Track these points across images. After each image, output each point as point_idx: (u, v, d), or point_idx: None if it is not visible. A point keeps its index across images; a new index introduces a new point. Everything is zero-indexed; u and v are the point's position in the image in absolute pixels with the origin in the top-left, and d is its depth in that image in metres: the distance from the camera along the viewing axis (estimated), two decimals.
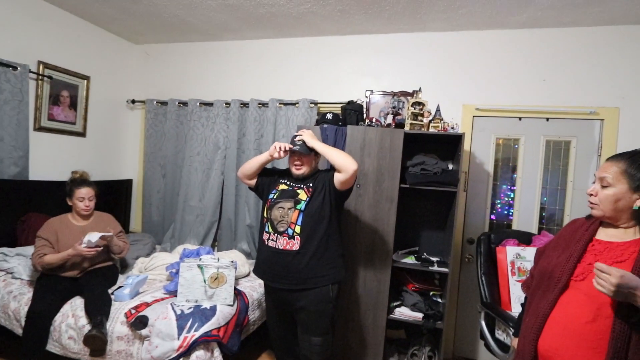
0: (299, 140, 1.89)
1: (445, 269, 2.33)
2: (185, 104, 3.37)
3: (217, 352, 1.92)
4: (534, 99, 2.62)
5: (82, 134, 3.23)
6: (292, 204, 1.82)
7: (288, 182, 1.94)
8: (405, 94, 2.68)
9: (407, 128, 2.39)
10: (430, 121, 2.39)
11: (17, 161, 2.66)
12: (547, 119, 2.63)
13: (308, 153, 1.87)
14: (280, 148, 1.85)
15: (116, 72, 3.51)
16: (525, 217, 2.68)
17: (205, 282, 2.08)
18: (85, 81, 3.20)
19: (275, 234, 1.83)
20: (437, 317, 2.36)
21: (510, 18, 2.51)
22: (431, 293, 2.52)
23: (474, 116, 2.73)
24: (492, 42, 2.70)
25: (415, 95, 2.52)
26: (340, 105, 2.74)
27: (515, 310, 2.14)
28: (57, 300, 2.08)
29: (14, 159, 2.64)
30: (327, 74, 3.09)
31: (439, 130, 2.35)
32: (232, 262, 2.19)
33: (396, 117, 2.49)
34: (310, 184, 1.88)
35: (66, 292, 2.14)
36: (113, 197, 3.39)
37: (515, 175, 2.71)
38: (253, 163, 1.95)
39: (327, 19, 2.76)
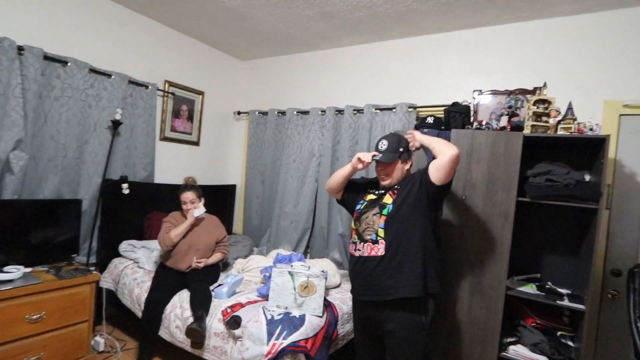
0: (382, 146, 1.73)
1: (581, 306, 1.86)
2: (283, 113, 3.51)
3: None
4: None
5: (196, 143, 3.62)
6: (377, 210, 1.68)
7: (376, 192, 1.79)
8: (524, 91, 2.28)
9: (527, 131, 2.01)
10: (559, 122, 1.97)
11: (146, 167, 3.09)
12: None
13: (392, 161, 1.70)
14: (362, 159, 1.72)
15: (225, 86, 3.86)
16: None
17: (295, 289, 2.05)
18: (200, 96, 3.58)
19: (362, 243, 1.70)
20: None
21: None
22: (559, 333, 2.04)
23: (620, 115, 2.17)
24: None
25: (538, 92, 2.11)
26: (443, 108, 2.48)
27: None
28: (169, 291, 2.30)
29: (144, 164, 3.07)
30: (428, 75, 2.85)
31: (571, 133, 1.91)
32: (323, 271, 2.12)
33: (512, 119, 2.13)
34: (397, 186, 1.72)
35: (176, 285, 2.35)
36: (220, 200, 3.69)
37: None
38: (337, 176, 1.85)
39: (429, 16, 2.55)
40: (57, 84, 2.47)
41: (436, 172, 1.60)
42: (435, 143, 1.67)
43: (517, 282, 2.15)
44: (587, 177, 2.10)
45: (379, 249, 1.64)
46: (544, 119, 2.01)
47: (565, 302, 1.91)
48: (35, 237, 2.31)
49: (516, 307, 2.15)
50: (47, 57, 2.40)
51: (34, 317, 2.01)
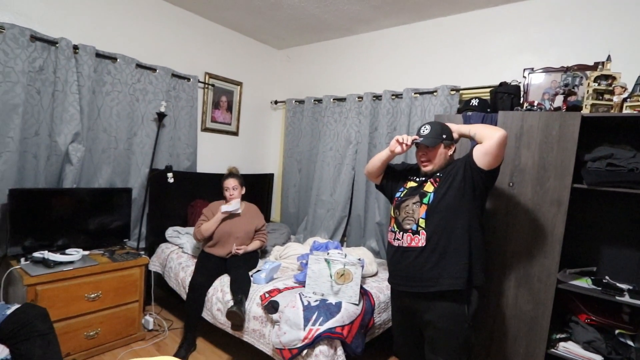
0: (424, 131, 1.63)
1: None
2: (320, 100, 3.48)
3: (340, 351, 1.85)
4: None
5: (235, 133, 3.71)
6: (418, 199, 1.61)
7: (417, 179, 1.71)
8: (583, 67, 2.06)
9: (586, 111, 1.82)
10: (624, 100, 1.76)
11: (189, 156, 3.22)
12: None
13: (434, 145, 1.60)
14: (403, 141, 1.64)
15: (262, 76, 3.90)
16: None
17: (331, 277, 2.05)
18: (239, 87, 3.65)
19: (401, 232, 1.63)
20: None
21: None
22: (617, 331, 1.87)
23: None
24: None
25: (600, 67, 1.90)
26: (489, 89, 2.32)
27: None
28: (211, 275, 2.40)
29: (187, 154, 3.20)
30: (472, 54, 2.67)
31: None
32: (360, 259, 2.10)
33: (569, 98, 1.94)
34: (440, 174, 1.62)
35: (218, 270, 2.45)
36: (258, 189, 3.78)
37: None
38: (375, 161, 1.78)
39: None
40: (107, 79, 2.63)
41: (483, 157, 1.51)
42: (477, 129, 1.58)
43: (570, 275, 1.99)
44: None
45: (420, 240, 1.57)
46: (607, 96, 1.81)
47: (626, 298, 1.73)
48: (92, 222, 2.50)
49: (568, 303, 2.00)
50: (99, 55, 2.55)
51: (92, 295, 2.19)
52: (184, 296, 2.46)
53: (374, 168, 1.81)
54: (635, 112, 1.72)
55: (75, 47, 2.41)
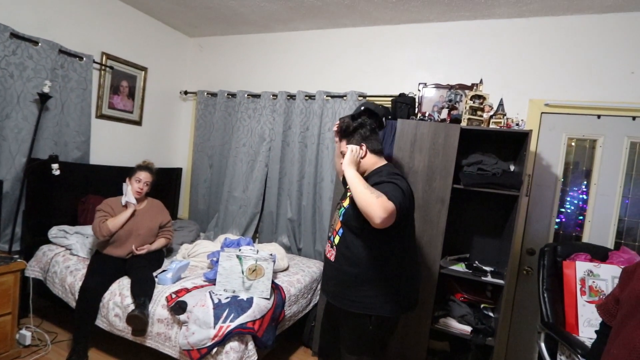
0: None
1: (501, 281, 2.10)
2: (234, 95, 3.41)
3: (251, 345, 1.88)
4: (617, 95, 2.27)
5: (138, 123, 3.39)
6: (338, 212, 1.57)
7: (347, 186, 1.57)
8: (463, 87, 2.46)
9: (464, 123, 2.18)
10: (491, 116, 2.16)
11: (80, 146, 2.84)
12: (634, 118, 2.27)
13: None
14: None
15: (171, 64, 3.64)
16: (599, 230, 2.34)
17: (243, 273, 2.06)
18: (143, 72, 3.35)
19: (329, 239, 1.61)
20: (488, 333, 2.14)
21: (594, 0, 2.19)
22: (482, 305, 2.30)
23: (542, 112, 2.44)
24: (568, 29, 2.39)
25: (475, 88, 2.30)
26: (391, 98, 2.59)
27: (584, 335, 1.87)
28: (107, 278, 2.18)
29: (77, 143, 2.82)
30: (378, 65, 2.94)
31: (501, 127, 2.12)
32: (271, 255, 2.15)
33: (452, 112, 2.29)
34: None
35: (115, 272, 2.23)
36: (164, 184, 3.52)
37: (589, 182, 2.38)
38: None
39: (382, 7, 2.61)
40: None
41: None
42: (357, 198, 1.34)
43: (450, 261, 2.36)
44: (512, 167, 2.34)
45: (332, 255, 1.54)
46: (479, 113, 2.19)
47: (489, 278, 2.14)
48: None
49: (448, 284, 2.37)
50: None
51: None
52: (73, 304, 2.19)
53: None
54: (497, 127, 2.12)
55: None
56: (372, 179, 1.48)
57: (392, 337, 1.72)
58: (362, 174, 1.51)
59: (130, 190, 2.38)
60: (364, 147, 1.55)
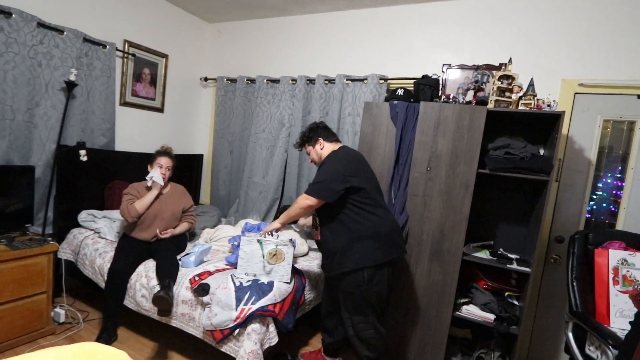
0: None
1: (527, 269, 2.03)
2: (253, 81, 3.40)
3: (272, 328, 1.91)
4: None
5: (160, 110, 3.44)
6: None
7: None
8: (490, 67, 2.35)
9: (490, 105, 2.09)
10: (520, 98, 2.06)
11: (105, 133, 2.92)
12: None
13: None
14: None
15: (191, 50, 3.65)
16: (635, 218, 2.22)
17: (264, 257, 2.08)
18: (164, 59, 3.38)
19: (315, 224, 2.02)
20: (512, 321, 2.09)
21: None
22: (506, 293, 2.24)
23: (575, 93, 2.30)
24: (604, 2, 2.22)
25: (503, 68, 2.18)
26: (413, 80, 2.51)
27: (616, 325, 1.80)
28: (134, 260, 2.25)
29: (103, 130, 2.89)
30: (400, 47, 2.84)
31: (531, 109, 2.01)
32: (291, 240, 2.16)
33: (478, 94, 2.19)
34: None
35: (141, 254, 2.30)
36: (186, 170, 3.59)
37: (624, 166, 2.25)
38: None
39: None
40: (0, 37, 2.23)
41: None
42: (288, 214, 1.93)
43: (473, 248, 2.30)
44: (542, 151, 2.23)
45: (317, 234, 1.97)
46: (507, 94, 2.09)
47: (514, 266, 2.08)
48: None
49: (471, 271, 2.32)
50: None
51: None
52: (102, 284, 2.28)
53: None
54: (527, 108, 2.02)
55: None
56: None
57: (389, 293, 2.06)
58: (320, 160, 2.00)
59: (157, 171, 2.40)
60: (319, 141, 2.03)
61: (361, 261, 1.80)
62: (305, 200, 1.81)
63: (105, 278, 2.22)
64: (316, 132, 2.04)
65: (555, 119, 2.01)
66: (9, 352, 2.03)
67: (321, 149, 2.01)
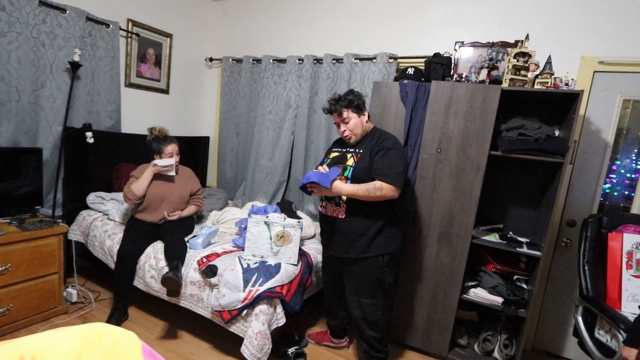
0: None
1: (537, 252, 2.00)
2: (259, 61, 3.33)
3: (279, 309, 1.93)
4: None
5: (165, 91, 3.40)
6: (340, 171, 1.76)
7: (340, 149, 1.91)
8: (505, 44, 2.25)
9: (505, 84, 2.01)
10: (536, 76, 1.97)
11: (111, 114, 2.90)
12: None
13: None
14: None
15: (196, 30, 3.57)
16: None
17: (271, 239, 2.08)
18: (169, 39, 3.31)
19: (325, 201, 1.85)
20: (521, 304, 2.07)
21: None
22: (515, 277, 2.22)
23: (595, 71, 2.20)
24: None
25: (519, 45, 2.09)
26: (424, 59, 2.42)
27: (627, 310, 1.77)
28: (142, 242, 2.27)
29: (109, 112, 2.87)
30: (410, 24, 2.74)
31: (548, 87, 1.93)
32: (299, 222, 2.15)
33: (492, 72, 2.11)
34: (360, 150, 1.81)
35: (149, 236, 2.32)
36: (192, 153, 3.57)
37: None
38: None
39: None
40: (2, 16, 2.19)
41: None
42: (361, 196, 1.68)
43: (482, 231, 2.27)
44: (557, 133, 2.16)
45: (340, 212, 1.79)
46: (523, 72, 2.00)
47: (524, 250, 2.05)
48: None
49: (479, 255, 2.30)
50: None
51: None
52: (112, 265, 2.31)
53: None
54: (543, 87, 1.94)
55: None
56: (379, 144, 1.76)
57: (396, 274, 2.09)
58: (363, 134, 1.83)
59: (172, 161, 2.35)
60: (366, 113, 1.85)
61: (387, 247, 1.78)
62: (393, 193, 1.68)
63: (115, 259, 2.25)
64: (364, 101, 1.86)
65: (572, 98, 1.92)
66: (25, 330, 2.09)
67: (366, 122, 1.85)
